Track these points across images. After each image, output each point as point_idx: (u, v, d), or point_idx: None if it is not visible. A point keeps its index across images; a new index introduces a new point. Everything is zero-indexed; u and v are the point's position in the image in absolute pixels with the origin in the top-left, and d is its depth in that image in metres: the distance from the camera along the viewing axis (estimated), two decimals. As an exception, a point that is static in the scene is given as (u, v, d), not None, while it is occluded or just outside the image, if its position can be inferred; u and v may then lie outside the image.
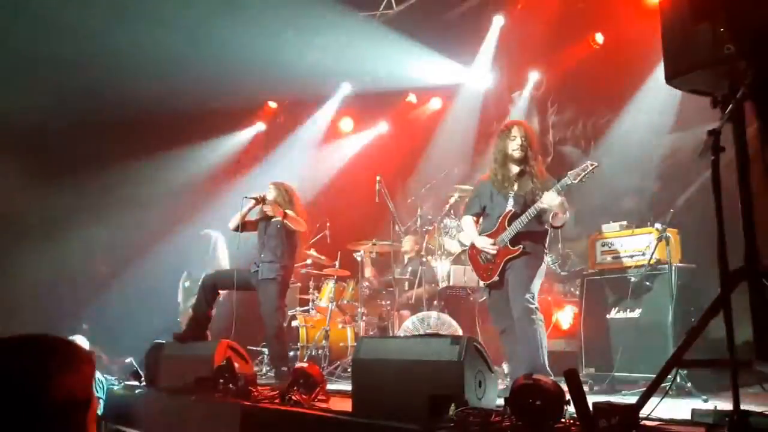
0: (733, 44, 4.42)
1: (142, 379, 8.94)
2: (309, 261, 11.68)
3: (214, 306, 9.85)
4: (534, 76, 12.45)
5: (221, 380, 7.58)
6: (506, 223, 7.44)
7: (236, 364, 7.72)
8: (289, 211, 9.42)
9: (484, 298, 8.64)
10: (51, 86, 13.26)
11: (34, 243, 13.51)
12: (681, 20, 4.81)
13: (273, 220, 9.47)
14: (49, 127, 13.53)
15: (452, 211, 11.05)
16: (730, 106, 4.34)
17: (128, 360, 9.51)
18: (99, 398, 9.20)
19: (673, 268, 7.55)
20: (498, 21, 11.86)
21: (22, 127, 13.60)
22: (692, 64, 4.79)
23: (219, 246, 11.82)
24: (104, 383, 9.16)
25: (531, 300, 7.28)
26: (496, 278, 7.50)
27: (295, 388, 6.81)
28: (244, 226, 9.62)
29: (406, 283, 11.27)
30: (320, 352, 10.52)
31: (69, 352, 2.06)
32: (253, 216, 9.70)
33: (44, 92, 13.17)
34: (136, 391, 8.67)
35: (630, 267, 7.93)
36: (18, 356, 1.98)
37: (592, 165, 7.11)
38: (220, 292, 9.96)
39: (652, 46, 5.62)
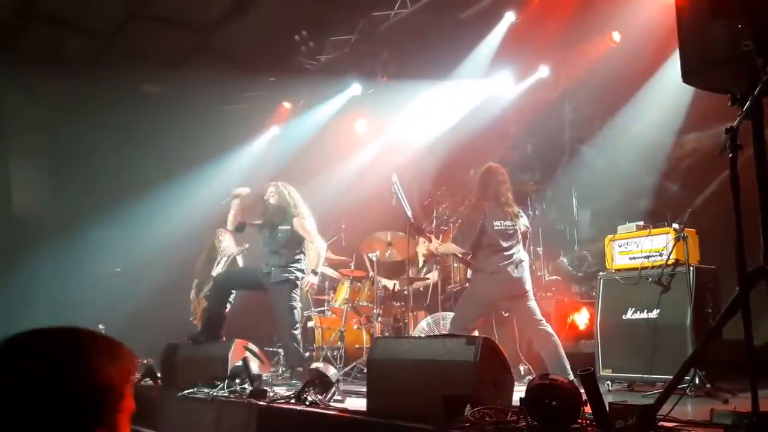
0: (751, 40, 4.37)
1: (159, 379, 8.95)
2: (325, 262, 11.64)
3: (228, 306, 9.88)
4: (546, 74, 12.38)
5: (237, 380, 7.59)
6: None
7: (252, 365, 7.72)
8: (295, 219, 9.47)
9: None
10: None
11: (49, 244, 13.55)
12: (698, 17, 4.76)
13: (280, 227, 9.50)
14: (64, 129, 13.61)
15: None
16: (748, 103, 4.29)
17: (145, 361, 9.51)
18: None
19: (691, 268, 7.48)
20: (509, 17, 11.74)
21: (36, 130, 13.70)
22: (709, 62, 4.74)
23: (226, 243, 11.72)
24: None
25: None
26: None
27: (310, 388, 6.81)
28: (244, 225, 9.73)
29: (421, 285, 11.26)
30: (336, 353, 10.49)
31: (110, 342, 2.08)
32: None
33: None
34: (153, 392, 8.68)
35: (647, 267, 7.85)
36: (57, 340, 2.00)
37: None
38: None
39: (669, 43, 5.58)
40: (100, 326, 10.80)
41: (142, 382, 9.05)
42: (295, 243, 9.61)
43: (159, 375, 8.99)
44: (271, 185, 9.79)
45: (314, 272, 9.73)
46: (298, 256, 9.66)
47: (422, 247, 10.97)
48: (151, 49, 13.24)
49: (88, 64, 13.61)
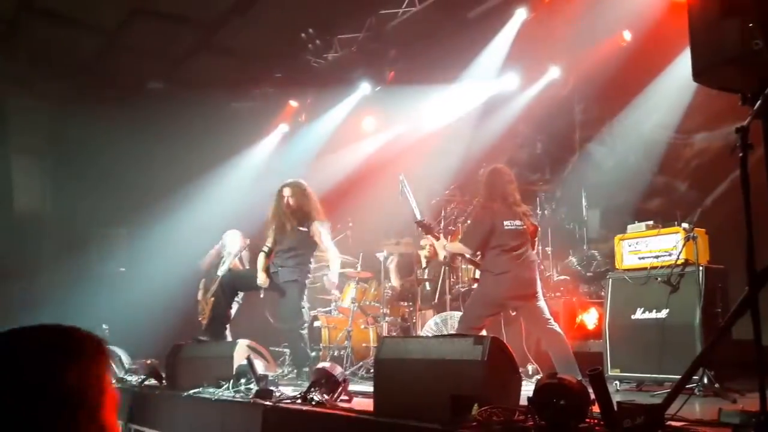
0: (762, 39, 4.34)
1: (163, 380, 8.92)
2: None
3: (234, 306, 9.86)
4: (557, 74, 12.34)
5: (242, 380, 7.57)
6: None
7: (258, 365, 7.70)
8: (315, 223, 9.47)
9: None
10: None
11: (51, 244, 13.54)
12: (709, 15, 4.73)
13: (298, 228, 9.47)
14: (67, 127, 13.59)
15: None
16: (759, 102, 4.26)
17: (149, 361, 9.49)
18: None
19: (701, 268, 7.44)
20: (520, 15, 11.64)
21: (40, 127, 13.66)
22: (720, 60, 4.71)
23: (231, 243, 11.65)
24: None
25: None
26: None
27: (316, 388, 6.78)
28: (270, 250, 9.73)
29: (428, 284, 11.23)
30: (342, 352, 10.47)
31: (79, 342, 2.04)
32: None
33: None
34: (157, 392, 8.66)
35: (656, 267, 7.82)
36: (26, 346, 1.97)
37: None
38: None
39: (680, 42, 5.55)
40: (104, 326, 10.81)
41: (146, 383, 9.04)
42: (309, 245, 9.60)
43: (163, 375, 8.96)
44: (289, 185, 9.73)
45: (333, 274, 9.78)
46: (309, 258, 9.67)
47: (424, 250, 10.93)
48: (156, 45, 13.21)
49: (92, 61, 13.57)
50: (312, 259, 9.78)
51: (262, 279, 9.55)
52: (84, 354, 2.02)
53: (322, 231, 9.57)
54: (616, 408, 4.47)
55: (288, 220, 9.58)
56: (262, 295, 9.86)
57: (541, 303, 8.28)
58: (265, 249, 9.75)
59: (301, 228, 9.53)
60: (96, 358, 2.05)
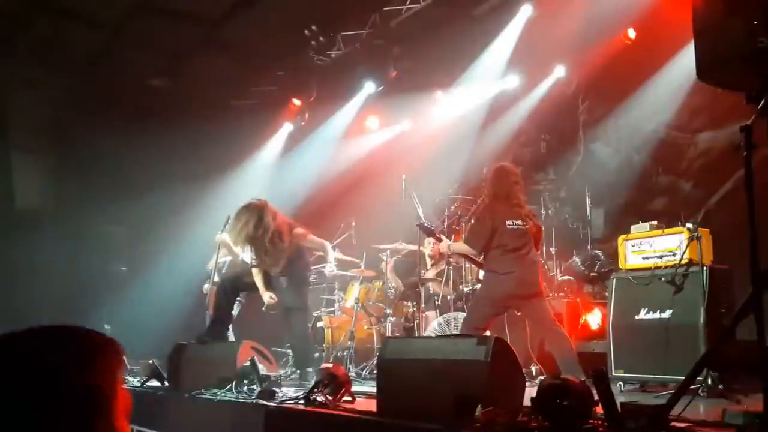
0: (767, 37, 4.32)
1: (165, 380, 8.89)
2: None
3: (236, 306, 9.82)
4: (562, 73, 12.31)
5: (245, 381, 7.55)
6: None
7: (260, 365, 7.69)
8: (295, 231, 9.35)
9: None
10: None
11: (52, 242, 13.50)
12: (714, 14, 4.73)
13: (279, 244, 9.34)
14: (68, 124, 13.56)
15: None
16: (763, 101, 4.25)
17: (151, 361, 9.44)
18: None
19: (705, 268, 7.41)
20: (526, 11, 11.59)
21: (40, 124, 13.63)
22: (725, 59, 4.70)
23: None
24: None
25: None
26: None
27: (319, 389, 6.76)
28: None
29: (431, 285, 11.20)
30: (346, 353, 10.46)
31: (91, 342, 2.02)
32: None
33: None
34: (159, 393, 8.63)
35: (660, 267, 7.79)
36: (41, 345, 1.95)
37: None
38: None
39: (685, 40, 5.54)
40: (106, 326, 10.78)
41: (148, 383, 9.00)
42: (302, 248, 9.51)
43: (165, 375, 8.93)
44: (241, 215, 9.43)
45: (330, 263, 9.71)
46: (308, 258, 9.63)
47: (428, 248, 10.89)
48: (158, 42, 13.16)
49: (94, 58, 13.51)
50: (309, 260, 9.74)
51: (267, 299, 9.47)
52: (100, 355, 2.01)
53: (299, 233, 9.43)
54: (619, 409, 4.46)
55: (269, 242, 9.38)
56: (264, 308, 9.75)
57: (545, 303, 8.28)
58: (254, 262, 9.58)
59: (281, 242, 9.37)
60: (111, 360, 2.03)
